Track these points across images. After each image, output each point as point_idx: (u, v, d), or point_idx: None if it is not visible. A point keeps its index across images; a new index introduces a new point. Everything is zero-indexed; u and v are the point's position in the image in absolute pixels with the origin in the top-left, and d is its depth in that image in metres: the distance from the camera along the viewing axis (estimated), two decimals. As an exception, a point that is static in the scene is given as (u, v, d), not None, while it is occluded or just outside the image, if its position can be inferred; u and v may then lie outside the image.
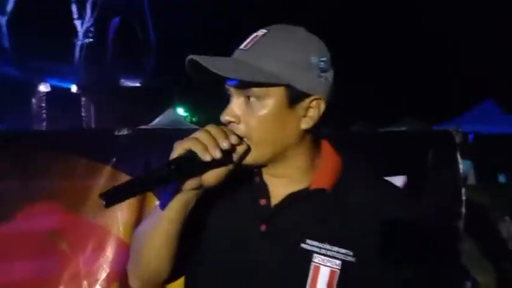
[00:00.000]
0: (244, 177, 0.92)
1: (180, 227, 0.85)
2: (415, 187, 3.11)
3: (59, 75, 12.28)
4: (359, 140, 3.11)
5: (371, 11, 18.45)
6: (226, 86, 0.88)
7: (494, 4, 16.41)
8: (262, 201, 0.91)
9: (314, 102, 0.87)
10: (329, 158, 0.96)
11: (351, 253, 0.84)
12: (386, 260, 0.85)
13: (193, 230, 0.89)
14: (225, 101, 0.92)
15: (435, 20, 17.75)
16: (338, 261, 0.84)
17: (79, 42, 13.25)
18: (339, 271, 0.83)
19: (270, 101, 0.85)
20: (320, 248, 0.85)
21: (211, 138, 0.79)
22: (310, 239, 0.86)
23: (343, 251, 0.85)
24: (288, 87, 0.84)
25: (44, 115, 11.55)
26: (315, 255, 0.85)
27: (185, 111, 18.65)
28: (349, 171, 0.96)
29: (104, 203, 0.68)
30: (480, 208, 6.46)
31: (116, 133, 2.14)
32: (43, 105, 11.53)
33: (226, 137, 0.80)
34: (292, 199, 0.90)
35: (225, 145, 0.79)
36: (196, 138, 0.79)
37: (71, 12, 13.81)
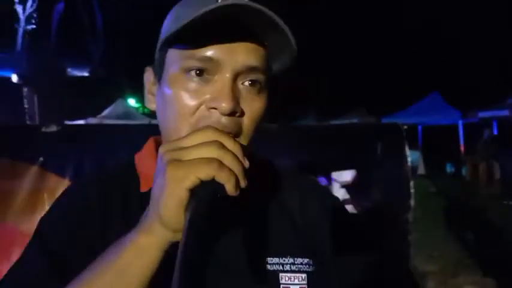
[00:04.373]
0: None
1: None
2: (365, 181, 3.13)
3: (-3, 63, 11.45)
4: (307, 134, 3.08)
5: (324, 5, 18.68)
6: (223, 58, 0.61)
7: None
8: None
9: None
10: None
11: (311, 262, 0.70)
12: (338, 260, 0.73)
13: None
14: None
15: (385, 15, 18.24)
16: (303, 275, 0.69)
17: (21, 29, 12.38)
18: (306, 286, 0.68)
19: (267, 90, 0.66)
20: (283, 264, 0.69)
21: (236, 159, 0.52)
22: (270, 256, 0.69)
23: (305, 261, 0.70)
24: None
25: (-18, 106, 10.73)
26: (281, 274, 0.68)
27: (137, 102, 18.06)
28: (266, 168, 0.79)
29: None
30: (430, 198, 6.73)
31: (43, 130, 1.98)
32: (-20, 95, 10.71)
33: (244, 153, 0.54)
34: (230, 211, 0.68)
35: (247, 167, 0.53)
36: (220, 162, 0.51)
37: (11, -4, 12.89)
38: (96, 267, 0.57)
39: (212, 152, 0.51)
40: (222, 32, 0.60)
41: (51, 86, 11.46)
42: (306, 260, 0.70)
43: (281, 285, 0.68)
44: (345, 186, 3.03)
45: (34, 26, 12.82)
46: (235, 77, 0.61)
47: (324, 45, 17.79)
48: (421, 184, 6.89)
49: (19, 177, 1.87)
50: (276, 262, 0.69)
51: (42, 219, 0.71)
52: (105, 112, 10.36)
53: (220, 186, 0.50)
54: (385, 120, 8.56)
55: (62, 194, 0.74)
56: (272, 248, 0.69)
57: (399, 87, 16.41)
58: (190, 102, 0.61)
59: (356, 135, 3.22)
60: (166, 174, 0.50)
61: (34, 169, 1.90)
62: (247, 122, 0.63)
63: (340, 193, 3.03)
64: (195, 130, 0.54)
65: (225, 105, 0.59)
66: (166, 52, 0.65)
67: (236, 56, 0.61)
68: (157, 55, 0.67)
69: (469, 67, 16.71)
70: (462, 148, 10.76)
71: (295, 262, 0.70)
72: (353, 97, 14.27)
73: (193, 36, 0.60)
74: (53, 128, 1.98)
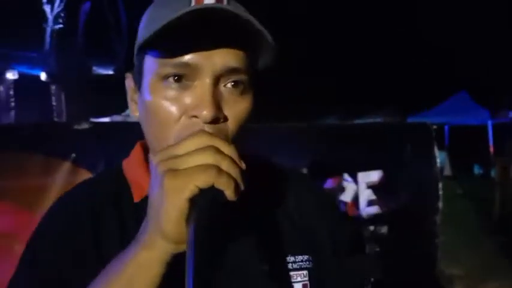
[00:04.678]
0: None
1: None
2: (392, 182, 3.08)
3: (27, 62, 11.77)
4: (333, 133, 3.05)
5: (344, 2, 18.46)
6: (201, 63, 0.58)
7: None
8: None
9: None
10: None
11: (310, 258, 0.71)
12: (336, 259, 0.74)
13: None
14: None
15: (409, 13, 17.91)
16: (305, 272, 0.70)
17: (49, 28, 12.71)
18: (308, 282, 0.70)
19: (252, 91, 0.63)
20: (287, 263, 0.70)
21: (233, 163, 0.51)
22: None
23: (305, 257, 0.71)
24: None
25: (13, 104, 11.07)
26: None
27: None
28: (261, 167, 0.77)
29: None
30: (457, 200, 6.57)
31: (75, 127, 2.03)
32: (11, 93, 11.05)
33: (240, 157, 0.53)
34: (232, 215, 0.66)
35: (244, 169, 0.52)
36: (218, 168, 0.49)
37: (40, -4, 13.28)
38: (97, 285, 0.56)
39: (209, 158, 0.49)
40: (198, 35, 0.58)
41: (77, 84, 11.73)
42: (305, 257, 0.71)
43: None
44: (371, 186, 2.99)
45: (61, 26, 13.13)
46: (216, 80, 0.59)
47: (348, 43, 17.61)
48: (448, 186, 6.75)
49: (52, 173, 1.92)
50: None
51: (33, 234, 0.69)
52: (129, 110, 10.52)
53: (220, 193, 0.49)
54: (410, 120, 8.38)
55: (52, 207, 0.71)
56: (277, 249, 0.70)
57: (424, 86, 16.08)
58: (172, 111, 0.59)
59: (383, 135, 3.17)
60: (164, 186, 0.48)
61: (66, 165, 1.94)
62: (232, 126, 0.60)
63: (366, 194, 2.99)
64: (188, 136, 0.52)
65: (207, 112, 0.57)
66: (143, 58, 0.62)
67: (214, 59, 0.58)
68: (135, 61, 0.64)
69: (498, 65, 16.22)
70: (491, 149, 10.43)
71: (297, 260, 0.70)
72: (376, 96, 14.07)
73: (168, 41, 0.57)
74: (85, 125, 2.03)
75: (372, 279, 0.82)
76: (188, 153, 0.50)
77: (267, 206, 0.73)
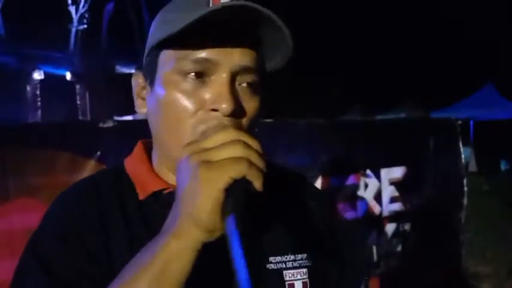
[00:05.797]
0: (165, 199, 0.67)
1: None
2: (415, 178, 3.03)
3: (53, 62, 12.08)
4: (355, 129, 3.02)
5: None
6: (220, 59, 0.61)
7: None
8: None
9: None
10: None
11: (310, 256, 0.73)
12: (337, 258, 0.77)
13: None
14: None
15: (433, 2, 17.49)
16: (304, 270, 0.72)
17: (73, 29, 13.01)
18: (308, 280, 0.71)
19: (261, 91, 0.67)
20: (285, 262, 0.72)
21: (261, 157, 0.53)
22: (273, 255, 0.71)
23: (305, 256, 0.73)
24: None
25: (39, 103, 11.38)
26: (284, 272, 0.71)
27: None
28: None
29: None
30: (483, 197, 6.41)
31: (101, 125, 2.07)
32: (38, 93, 11.35)
33: (263, 150, 0.55)
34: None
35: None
36: (249, 160, 0.52)
37: (65, -3, 13.59)
38: (124, 279, 0.56)
39: (239, 151, 0.51)
40: (216, 33, 0.60)
41: (101, 83, 11.96)
42: (305, 255, 0.72)
43: (286, 282, 0.70)
44: (394, 183, 2.96)
45: (86, 26, 13.40)
46: (233, 77, 0.61)
47: (370, 36, 17.33)
48: (473, 182, 6.58)
49: (78, 171, 1.96)
50: (279, 260, 0.71)
51: (38, 232, 0.67)
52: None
53: (249, 184, 0.51)
54: (434, 115, 8.19)
55: (54, 204, 0.70)
56: (275, 247, 0.71)
57: (448, 80, 15.69)
58: (190, 104, 0.61)
59: (407, 131, 3.12)
60: (199, 176, 0.50)
61: (92, 163, 1.98)
62: (246, 122, 0.63)
63: (389, 190, 2.96)
64: (217, 131, 0.54)
65: (226, 106, 0.59)
66: (158, 55, 0.64)
67: (232, 56, 0.61)
68: (147, 58, 0.67)
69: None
70: (519, 144, 10.11)
71: (296, 258, 0.72)
72: (399, 91, 13.83)
73: (188, 37, 0.59)
74: (109, 124, 2.07)
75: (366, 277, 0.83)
76: (220, 146, 0.52)
77: (269, 205, 0.73)
